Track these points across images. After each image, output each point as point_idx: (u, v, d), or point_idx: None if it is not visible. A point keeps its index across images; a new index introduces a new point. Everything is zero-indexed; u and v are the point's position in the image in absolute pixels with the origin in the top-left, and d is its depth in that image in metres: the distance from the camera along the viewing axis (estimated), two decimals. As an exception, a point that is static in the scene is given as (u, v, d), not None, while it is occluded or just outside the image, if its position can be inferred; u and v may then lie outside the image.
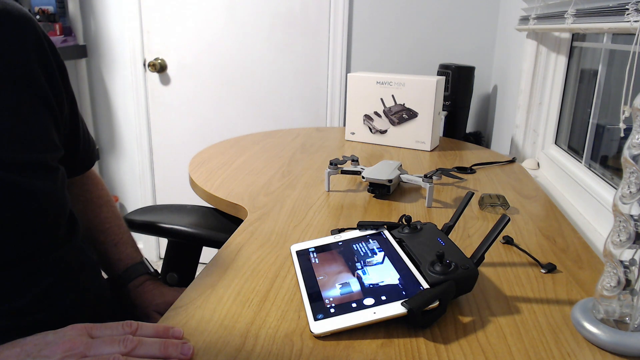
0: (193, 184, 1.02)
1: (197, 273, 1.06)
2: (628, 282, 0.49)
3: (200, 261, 1.06)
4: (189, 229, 0.99)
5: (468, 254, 0.60)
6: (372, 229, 0.70)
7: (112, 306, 0.80)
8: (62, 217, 0.68)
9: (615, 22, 0.83)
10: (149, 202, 2.37)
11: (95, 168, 2.43)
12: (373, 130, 1.38)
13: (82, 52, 2.15)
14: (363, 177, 0.93)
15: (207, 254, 1.01)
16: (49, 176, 0.65)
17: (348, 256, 0.64)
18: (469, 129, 1.96)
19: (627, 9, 0.77)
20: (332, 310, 0.53)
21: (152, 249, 2.41)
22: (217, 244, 0.97)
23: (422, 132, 1.31)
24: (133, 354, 0.46)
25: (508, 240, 0.75)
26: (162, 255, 1.82)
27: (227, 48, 2.10)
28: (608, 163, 1.08)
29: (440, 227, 0.68)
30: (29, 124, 0.63)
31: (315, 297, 0.56)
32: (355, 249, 0.66)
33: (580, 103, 1.29)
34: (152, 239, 2.41)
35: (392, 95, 1.32)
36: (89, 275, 0.73)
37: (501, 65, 1.82)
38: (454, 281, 0.54)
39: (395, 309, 0.52)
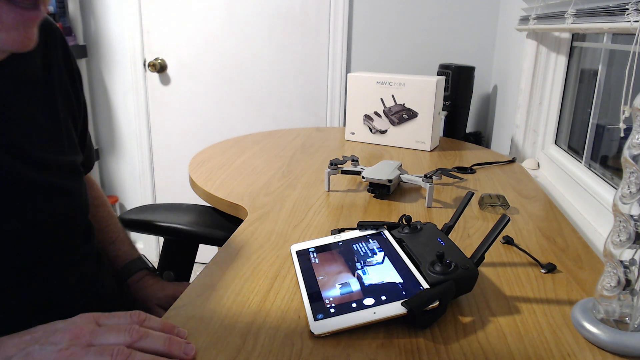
0: (193, 184, 1.02)
1: (193, 271, 1.07)
2: (628, 282, 0.49)
3: (196, 261, 1.06)
4: (185, 226, 0.99)
5: (468, 254, 0.59)
6: (372, 229, 0.70)
7: (122, 306, 0.82)
8: (86, 217, 0.73)
9: (615, 22, 0.83)
10: (149, 202, 2.37)
11: (95, 168, 2.43)
12: (373, 130, 1.38)
13: (82, 52, 2.15)
14: (363, 177, 0.93)
15: (205, 254, 1.01)
16: (76, 177, 0.69)
17: (348, 256, 0.64)
18: (469, 129, 1.96)
19: (627, 9, 0.77)
20: (332, 310, 0.53)
21: (152, 249, 2.41)
22: (214, 241, 0.97)
23: (422, 132, 1.31)
24: (137, 345, 0.46)
25: (508, 240, 0.75)
26: (162, 255, 1.83)
27: (227, 48, 2.10)
28: (608, 163, 1.08)
29: (440, 227, 0.68)
30: (60, 127, 0.67)
31: (315, 297, 0.56)
32: (355, 249, 0.66)
33: (580, 103, 1.29)
34: (152, 238, 2.41)
35: (392, 95, 1.32)
36: (105, 271, 0.78)
37: (501, 65, 1.82)
38: (454, 281, 0.54)
39: (395, 309, 0.52)
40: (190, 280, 1.02)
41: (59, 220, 0.65)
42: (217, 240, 0.96)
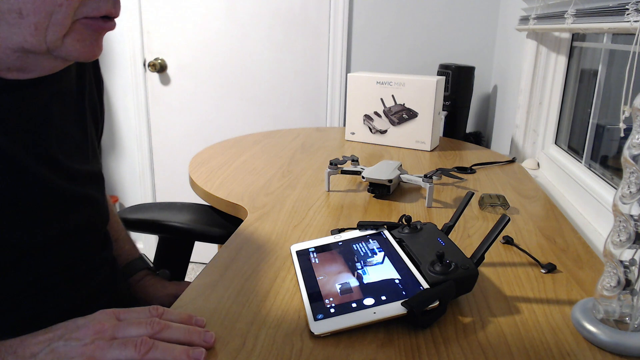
0: (193, 184, 1.02)
1: (189, 270, 1.07)
2: (628, 282, 0.49)
3: (195, 260, 1.06)
4: (181, 224, 0.99)
5: (468, 254, 0.60)
6: (372, 229, 0.70)
7: (133, 304, 0.83)
8: (107, 223, 0.75)
9: (615, 22, 0.83)
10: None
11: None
12: (373, 130, 1.38)
13: (82, 52, 2.14)
14: (363, 177, 0.93)
15: (204, 253, 1.01)
16: (100, 187, 0.71)
17: (348, 256, 0.64)
18: (469, 129, 1.96)
19: (627, 9, 0.78)
20: (332, 310, 0.53)
21: (152, 248, 2.41)
22: (210, 238, 0.97)
23: (422, 132, 1.31)
24: (159, 336, 0.47)
25: (508, 240, 0.75)
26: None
27: (227, 48, 2.10)
28: (608, 163, 1.08)
29: (440, 227, 0.68)
30: (88, 137, 0.68)
31: (315, 297, 0.56)
32: (355, 249, 0.66)
33: (580, 103, 1.29)
34: (152, 238, 2.41)
35: (392, 95, 1.32)
36: (119, 276, 0.79)
37: (501, 65, 1.82)
38: (454, 281, 0.54)
39: (395, 309, 0.52)
40: (186, 279, 1.02)
41: (85, 229, 0.66)
42: (214, 238, 0.96)
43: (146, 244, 2.42)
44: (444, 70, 1.67)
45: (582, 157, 1.18)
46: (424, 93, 1.28)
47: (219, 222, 1.00)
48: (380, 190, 0.93)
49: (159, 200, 2.36)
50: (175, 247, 1.05)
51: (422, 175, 0.94)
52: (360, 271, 0.60)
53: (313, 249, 0.68)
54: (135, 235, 2.40)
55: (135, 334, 0.47)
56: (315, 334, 0.50)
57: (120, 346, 0.45)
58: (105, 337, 0.46)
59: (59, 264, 0.63)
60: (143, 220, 1.01)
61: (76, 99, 0.66)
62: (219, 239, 0.98)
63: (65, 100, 0.64)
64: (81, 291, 0.66)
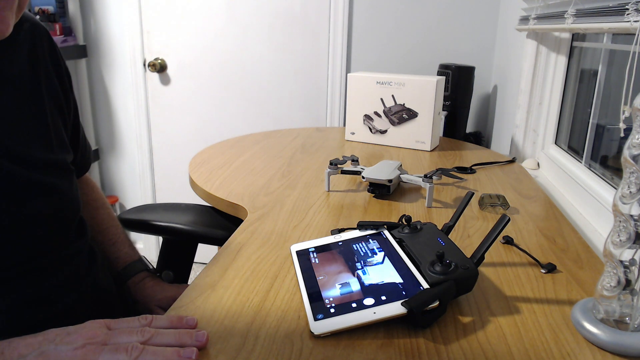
0: (193, 184, 1.02)
1: (193, 271, 1.07)
2: (628, 282, 0.49)
3: (196, 260, 1.06)
4: (184, 226, 0.99)
5: (468, 254, 0.59)
6: (372, 229, 0.70)
7: (119, 301, 0.83)
8: (77, 214, 0.73)
9: (615, 22, 0.83)
10: (149, 202, 2.37)
11: (95, 168, 2.43)
12: (373, 130, 1.38)
13: (82, 52, 2.15)
14: (363, 177, 0.93)
15: (205, 254, 1.01)
16: (66, 176, 0.70)
17: (348, 256, 0.64)
18: (469, 129, 1.96)
19: (627, 9, 0.78)
20: (332, 310, 0.53)
21: (151, 249, 2.41)
22: (213, 240, 0.97)
23: (422, 132, 1.31)
24: (150, 343, 0.47)
25: (508, 240, 0.75)
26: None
27: (227, 48, 2.10)
28: (608, 163, 1.08)
29: (440, 227, 0.68)
30: (49, 126, 0.67)
31: (315, 297, 0.56)
32: (355, 249, 0.66)
33: (580, 103, 1.29)
34: (152, 238, 2.41)
35: (392, 95, 1.32)
36: (98, 269, 0.78)
37: (501, 65, 1.82)
38: (454, 281, 0.54)
39: (395, 309, 0.52)
40: (190, 280, 1.02)
41: (48, 217, 0.65)
42: (217, 240, 0.96)
43: (146, 244, 2.42)
44: (444, 70, 1.67)
45: (582, 157, 1.18)
46: (424, 93, 1.28)
47: (221, 223, 1.00)
48: (380, 190, 0.93)
49: (159, 200, 2.36)
50: (179, 248, 1.05)
51: (422, 175, 0.94)
52: (360, 271, 0.60)
53: (313, 249, 0.68)
54: (135, 236, 2.41)
55: (127, 341, 0.47)
56: (315, 334, 0.50)
57: (111, 351, 0.45)
58: (96, 342, 0.46)
59: (23, 253, 0.62)
60: (146, 221, 1.01)
61: (30, 87, 0.65)
62: (222, 241, 0.98)
63: (16, 88, 0.63)
64: (51, 281, 0.66)
